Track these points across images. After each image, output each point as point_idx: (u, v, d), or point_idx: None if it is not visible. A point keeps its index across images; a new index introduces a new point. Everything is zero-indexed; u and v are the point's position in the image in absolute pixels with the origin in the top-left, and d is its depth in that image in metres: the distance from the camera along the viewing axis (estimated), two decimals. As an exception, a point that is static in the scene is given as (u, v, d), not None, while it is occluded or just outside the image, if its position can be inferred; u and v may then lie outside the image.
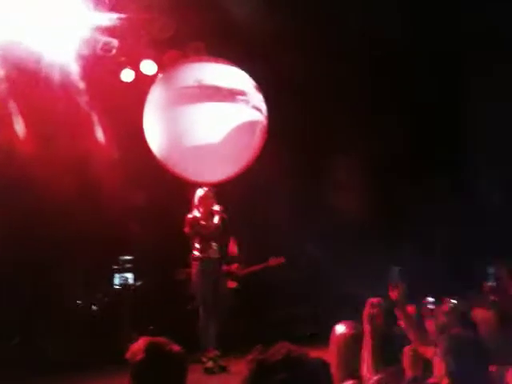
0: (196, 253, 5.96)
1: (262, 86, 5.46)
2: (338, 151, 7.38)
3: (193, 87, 5.19)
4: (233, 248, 7.40)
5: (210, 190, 5.96)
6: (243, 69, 5.42)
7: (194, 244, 5.99)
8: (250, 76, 5.43)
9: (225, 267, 7.11)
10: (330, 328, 3.22)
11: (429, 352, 2.69)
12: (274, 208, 7.49)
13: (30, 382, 5.69)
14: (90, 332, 6.90)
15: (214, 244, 6.01)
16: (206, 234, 5.94)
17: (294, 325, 7.12)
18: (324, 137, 7.31)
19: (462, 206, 6.91)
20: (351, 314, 3.06)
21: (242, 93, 5.21)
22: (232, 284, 7.22)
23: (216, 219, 5.95)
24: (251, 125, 5.36)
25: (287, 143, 6.86)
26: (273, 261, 7.32)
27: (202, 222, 5.95)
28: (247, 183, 6.47)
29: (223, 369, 5.69)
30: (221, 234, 6.05)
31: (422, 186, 6.91)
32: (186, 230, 5.96)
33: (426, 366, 2.59)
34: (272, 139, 5.62)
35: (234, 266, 7.27)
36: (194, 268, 5.99)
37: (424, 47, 7.11)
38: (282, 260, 7.29)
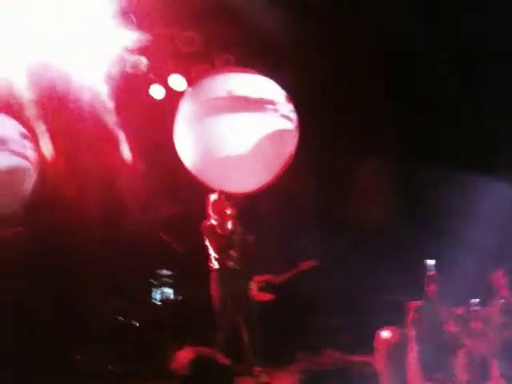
0: (215, 262, 5.76)
1: (292, 96, 5.45)
2: (367, 155, 7.32)
3: (221, 98, 5.22)
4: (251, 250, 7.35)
5: (221, 193, 5.82)
6: (272, 79, 5.42)
7: (210, 253, 5.82)
8: (280, 86, 5.43)
9: (257, 278, 7.09)
10: (366, 335, 3.19)
11: (479, 354, 2.62)
12: (302, 215, 7.47)
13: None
14: (132, 348, 6.95)
15: (231, 252, 5.84)
16: (223, 242, 5.76)
17: (330, 334, 7.04)
18: (353, 141, 7.27)
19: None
20: (390, 319, 3.01)
21: (272, 102, 5.21)
22: (267, 296, 7.18)
23: (229, 224, 5.79)
24: (281, 134, 5.36)
25: (316, 150, 6.84)
26: (304, 265, 7.26)
27: (218, 230, 5.79)
28: (278, 191, 6.45)
29: None
30: (239, 241, 5.86)
31: (448, 185, 6.80)
32: (205, 238, 5.81)
33: (480, 368, 2.51)
34: (302, 147, 5.60)
35: (268, 277, 7.24)
36: (214, 281, 5.78)
37: (447, 47, 7.04)
38: (312, 263, 7.23)
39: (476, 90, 6.99)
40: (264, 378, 5.59)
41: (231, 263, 5.84)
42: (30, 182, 5.93)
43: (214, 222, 5.84)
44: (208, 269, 5.87)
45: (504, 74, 6.65)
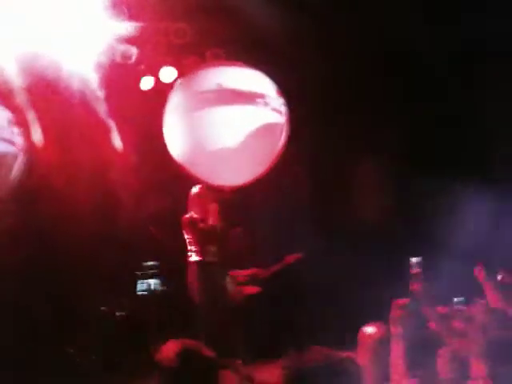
0: (193, 256, 5.73)
1: (284, 90, 5.46)
2: (363, 151, 7.34)
3: (211, 91, 5.21)
4: (238, 243, 7.34)
5: (203, 187, 5.78)
6: (264, 73, 5.43)
7: (190, 246, 5.77)
8: (271, 80, 5.44)
9: (243, 272, 7.09)
10: (354, 330, 3.21)
11: (461, 353, 2.66)
12: (291, 209, 7.49)
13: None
14: (116, 338, 6.95)
15: (211, 246, 5.78)
16: (202, 235, 5.70)
17: (318, 328, 7.06)
18: (349, 137, 7.27)
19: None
20: (376, 316, 3.04)
21: (262, 95, 5.21)
22: (254, 289, 7.19)
23: (212, 218, 5.75)
24: (271, 127, 5.36)
25: (311, 145, 6.85)
26: (289, 258, 7.27)
27: (199, 223, 5.73)
28: (269, 185, 6.46)
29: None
30: (220, 234, 5.82)
31: (447, 186, 6.83)
32: (185, 231, 5.77)
33: (461, 367, 2.55)
34: (295, 141, 5.62)
35: (254, 271, 7.25)
36: (193, 273, 5.74)
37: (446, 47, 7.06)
38: (298, 256, 7.25)
39: (476, 90, 7.02)
40: (245, 372, 5.47)
41: (211, 257, 5.80)
42: (17, 169, 5.89)
43: (194, 215, 5.80)
44: (188, 262, 5.83)
45: (504, 74, 6.67)
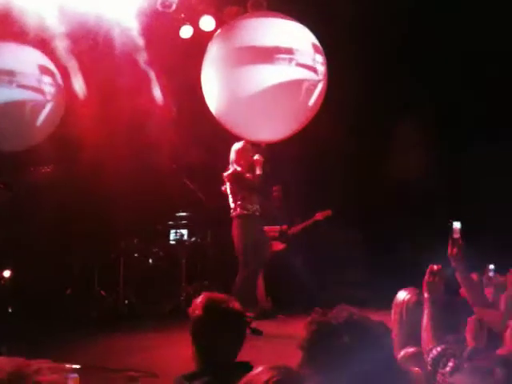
0: (242, 209, 5.76)
1: (324, 43, 5.31)
2: (400, 110, 7.14)
3: (248, 46, 5.12)
4: (278, 199, 7.34)
5: (247, 142, 5.81)
6: (305, 25, 5.27)
7: (235, 200, 5.80)
8: (313, 33, 5.28)
9: (272, 228, 7.11)
10: (383, 293, 3.18)
11: (494, 322, 2.61)
12: (331, 166, 7.40)
13: (86, 332, 5.90)
14: (147, 284, 7.13)
15: (254, 199, 5.83)
16: (251, 187, 5.77)
17: (346, 288, 7.08)
18: (387, 95, 7.07)
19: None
20: (409, 280, 3.00)
21: (299, 51, 5.08)
22: (281, 245, 7.22)
23: (258, 170, 5.79)
24: (307, 84, 5.24)
25: (348, 102, 6.70)
26: (320, 214, 7.24)
27: (247, 175, 5.80)
28: (306, 142, 6.39)
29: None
30: (263, 185, 5.88)
31: (488, 149, 6.60)
32: (229, 185, 5.80)
33: (490, 337, 2.51)
34: (334, 98, 5.49)
35: (284, 227, 7.26)
36: (240, 226, 5.77)
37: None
38: (329, 212, 7.20)
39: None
40: (253, 324, 5.47)
41: (254, 210, 5.84)
42: (45, 118, 5.91)
43: (239, 167, 5.84)
44: (232, 216, 5.87)
45: None
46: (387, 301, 3.03)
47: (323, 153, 7.33)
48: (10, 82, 5.63)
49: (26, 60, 5.86)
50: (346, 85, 6.09)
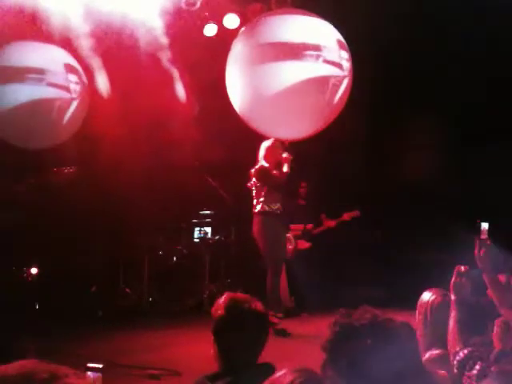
0: (264, 206, 5.74)
1: (349, 41, 5.26)
2: (420, 107, 7.05)
3: (273, 43, 5.09)
4: (304, 195, 7.30)
5: (276, 140, 5.79)
6: (330, 22, 5.22)
7: (258, 197, 5.79)
8: (337, 30, 5.23)
9: (297, 226, 7.09)
10: (408, 294, 3.13)
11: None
12: (351, 164, 7.34)
13: (110, 328, 5.96)
14: (171, 282, 7.17)
15: (280, 196, 5.79)
16: (276, 184, 5.74)
17: (369, 288, 7.00)
18: (406, 93, 6.99)
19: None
20: (435, 280, 2.96)
21: (323, 49, 5.03)
22: (306, 244, 7.19)
23: (285, 167, 5.77)
24: (331, 83, 5.19)
25: (369, 100, 6.64)
26: (347, 215, 7.18)
27: (274, 172, 5.78)
28: (328, 139, 6.33)
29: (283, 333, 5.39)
30: (289, 183, 5.85)
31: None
32: (255, 181, 5.79)
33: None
34: (358, 97, 5.43)
35: (309, 226, 7.23)
36: (260, 224, 5.75)
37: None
38: (357, 213, 7.13)
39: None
40: (280, 325, 5.45)
41: (278, 207, 5.82)
42: (71, 116, 5.96)
43: (266, 164, 5.82)
44: (254, 213, 5.85)
45: None
46: (412, 301, 2.98)
47: (347, 151, 7.27)
48: (40, 80, 5.70)
49: (54, 58, 5.92)
50: (367, 83, 6.02)
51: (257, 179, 5.83)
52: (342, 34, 5.24)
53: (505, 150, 6.37)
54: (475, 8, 5.96)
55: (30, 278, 6.75)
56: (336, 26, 5.25)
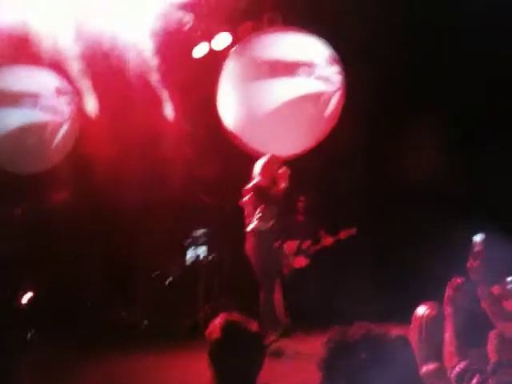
0: (257, 224, 5.63)
1: (340, 56, 5.30)
2: (417, 119, 7.04)
3: (265, 62, 5.14)
4: (302, 209, 7.26)
5: (273, 156, 5.71)
6: (321, 39, 5.28)
7: (252, 214, 5.68)
8: (328, 46, 5.29)
9: (293, 243, 7.06)
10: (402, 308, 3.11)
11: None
12: (348, 180, 7.33)
13: (103, 350, 5.88)
14: (165, 302, 7.12)
15: (276, 213, 5.69)
16: (271, 201, 5.64)
17: (363, 303, 6.95)
18: (403, 105, 7.00)
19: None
20: (430, 294, 2.94)
21: (315, 65, 5.08)
22: (302, 262, 7.16)
23: (283, 183, 5.65)
24: (323, 98, 5.24)
25: (367, 114, 6.64)
26: (344, 233, 7.14)
27: (269, 188, 5.66)
28: (323, 154, 6.33)
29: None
30: (285, 199, 5.76)
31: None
32: (250, 198, 5.69)
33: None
34: (351, 110, 5.46)
35: (305, 244, 7.20)
36: (254, 242, 5.64)
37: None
38: (353, 231, 7.10)
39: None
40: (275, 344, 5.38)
41: (272, 225, 5.75)
42: (62, 138, 5.97)
43: (262, 181, 5.74)
44: (247, 230, 5.81)
45: None
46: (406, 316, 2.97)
47: (341, 164, 7.25)
48: (34, 105, 5.71)
49: (45, 82, 5.95)
50: (361, 94, 6.03)
51: (254, 196, 5.79)
52: (339, 39, 5.26)
53: (505, 150, 6.37)
54: (475, 8, 5.99)
55: (23, 302, 6.70)
56: (332, 34, 5.28)
